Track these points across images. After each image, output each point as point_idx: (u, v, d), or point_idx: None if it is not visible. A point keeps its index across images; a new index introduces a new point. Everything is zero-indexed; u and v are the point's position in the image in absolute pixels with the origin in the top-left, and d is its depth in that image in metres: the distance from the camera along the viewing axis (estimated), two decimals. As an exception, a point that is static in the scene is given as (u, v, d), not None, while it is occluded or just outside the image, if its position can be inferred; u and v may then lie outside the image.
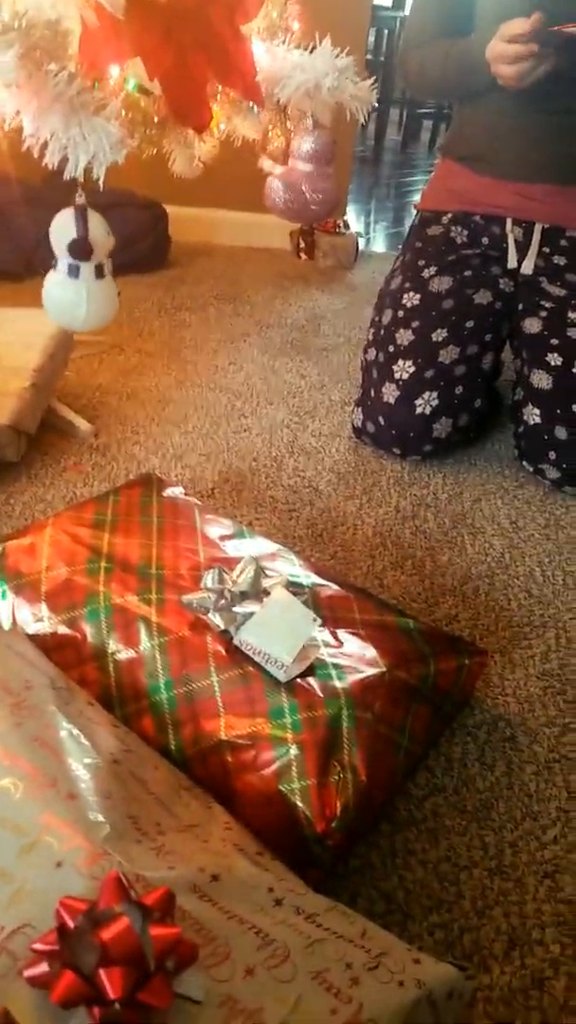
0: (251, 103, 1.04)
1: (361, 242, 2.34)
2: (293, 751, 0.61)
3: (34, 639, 0.71)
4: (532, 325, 1.25)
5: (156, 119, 0.99)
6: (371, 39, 3.69)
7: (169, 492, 0.90)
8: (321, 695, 0.64)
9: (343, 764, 0.61)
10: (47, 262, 0.90)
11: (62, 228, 0.82)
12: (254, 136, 1.18)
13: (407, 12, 1.34)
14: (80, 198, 0.89)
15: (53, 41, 0.77)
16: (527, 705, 0.83)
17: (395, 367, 1.22)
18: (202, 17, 0.96)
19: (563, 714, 0.83)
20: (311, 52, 1.02)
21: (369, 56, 3.44)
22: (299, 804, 0.59)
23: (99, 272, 0.81)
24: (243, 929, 0.49)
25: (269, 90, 1.02)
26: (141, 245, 1.89)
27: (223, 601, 0.70)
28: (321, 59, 0.98)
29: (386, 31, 3.92)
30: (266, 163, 1.12)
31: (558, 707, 0.84)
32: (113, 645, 0.69)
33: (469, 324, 1.24)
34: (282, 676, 0.65)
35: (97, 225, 0.82)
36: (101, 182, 0.80)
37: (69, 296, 0.81)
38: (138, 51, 0.91)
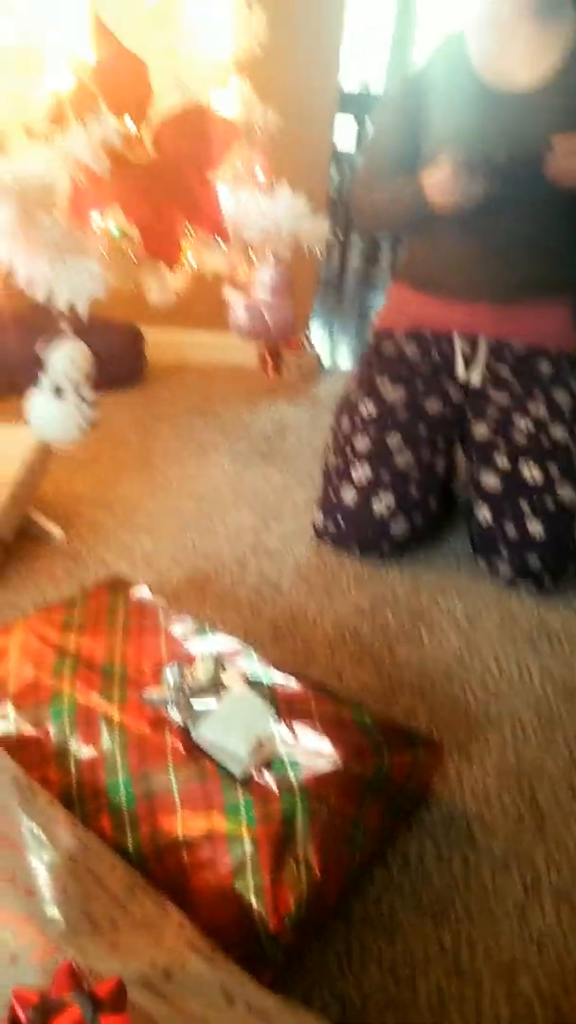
0: (218, 239, 1.15)
1: (325, 358, 2.47)
2: (248, 847, 0.62)
3: (-2, 739, 0.72)
4: (480, 430, 1.33)
5: (134, 258, 1.09)
6: (336, 176, 4.01)
7: (136, 593, 0.94)
8: (276, 790, 0.66)
9: (297, 859, 0.62)
10: (28, 382, 0.97)
11: (56, 355, 0.90)
12: (222, 268, 1.29)
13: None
14: (65, 327, 0.97)
15: (45, 198, 0.87)
16: (484, 800, 0.85)
17: (353, 471, 1.29)
18: (175, 170, 1.08)
19: (519, 808, 0.84)
20: (272, 196, 1.14)
21: (334, 194, 3.71)
22: (253, 901, 0.60)
23: (78, 394, 0.88)
24: (194, 1025, 0.49)
25: (234, 229, 1.13)
26: (118, 364, 1.99)
27: (182, 697, 0.72)
28: (280, 203, 1.10)
29: (348, 172, 4.26)
30: (229, 293, 1.22)
31: (514, 802, 0.85)
32: (75, 744, 0.71)
33: (422, 430, 1.32)
34: (238, 771, 0.67)
35: (79, 353, 0.89)
36: (84, 316, 0.88)
37: (52, 414, 0.88)
38: (118, 201, 1.02)
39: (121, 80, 1.12)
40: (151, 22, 1.27)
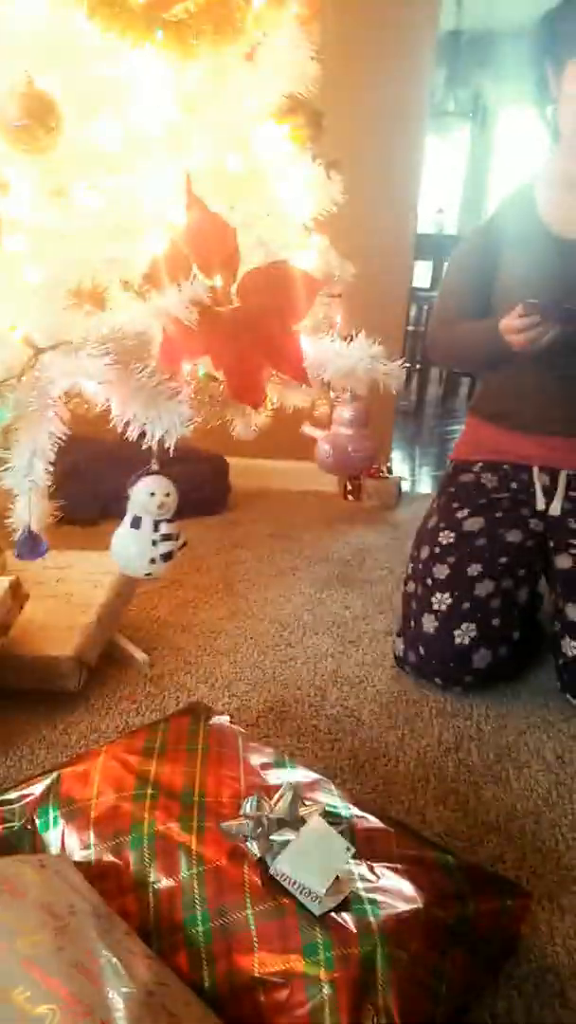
0: (299, 383, 1.23)
1: (405, 485, 2.52)
2: (326, 990, 0.60)
3: (80, 866, 0.73)
4: (564, 561, 1.33)
5: (220, 399, 1.17)
6: (413, 312, 4.21)
7: (215, 720, 0.95)
8: (355, 931, 0.64)
9: (377, 1007, 0.60)
10: (118, 511, 1.04)
11: (138, 488, 0.97)
12: (302, 405, 1.37)
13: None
14: (155, 464, 1.04)
15: (139, 347, 0.96)
16: (578, 956, 0.80)
17: (433, 599, 1.29)
18: (260, 321, 1.18)
19: (617, 967, 0.78)
20: (349, 343, 1.23)
21: (411, 327, 3.89)
22: (331, 1050, 0.57)
23: (156, 527, 0.94)
24: None
25: (314, 372, 1.21)
26: (203, 491, 2.09)
27: (260, 829, 0.72)
28: (357, 347, 1.17)
29: (425, 306, 4.47)
30: (307, 429, 1.30)
31: (612, 959, 0.79)
32: (154, 874, 0.71)
33: (502, 560, 1.32)
34: (316, 909, 0.66)
35: (164, 487, 0.96)
36: (171, 451, 0.95)
37: (128, 544, 0.93)
38: (207, 350, 1.11)
39: (209, 241, 1.25)
40: (238, 189, 1.42)
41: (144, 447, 0.98)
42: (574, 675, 1.23)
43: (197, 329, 1.11)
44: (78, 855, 0.74)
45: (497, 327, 1.36)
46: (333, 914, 0.66)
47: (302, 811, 0.76)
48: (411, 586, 1.36)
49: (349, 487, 2.37)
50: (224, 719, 0.97)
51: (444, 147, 6.34)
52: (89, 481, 1.85)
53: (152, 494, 0.97)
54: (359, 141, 2.17)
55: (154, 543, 0.94)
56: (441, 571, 1.31)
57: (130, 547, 0.93)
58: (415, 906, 0.68)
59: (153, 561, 0.94)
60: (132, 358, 1.01)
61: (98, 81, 0.99)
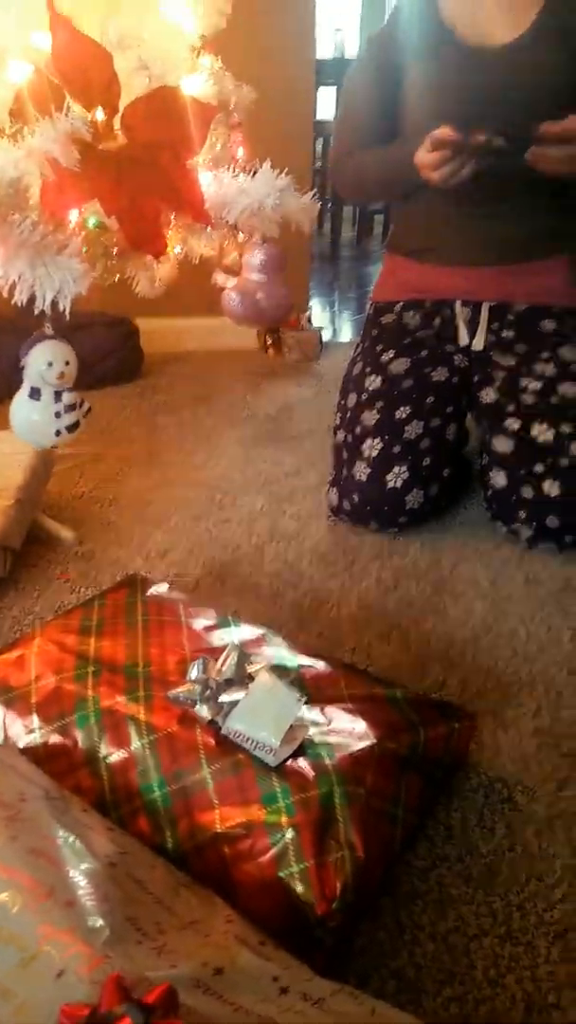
0: (203, 225, 1.12)
1: (326, 334, 2.44)
2: (289, 835, 0.62)
3: (27, 751, 0.72)
4: (488, 395, 1.31)
5: (115, 250, 1.07)
6: (319, 147, 3.94)
7: (153, 590, 0.93)
8: (312, 775, 0.65)
9: (340, 842, 0.62)
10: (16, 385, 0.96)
11: (31, 357, 0.89)
12: (209, 253, 1.27)
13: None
14: (48, 329, 0.96)
15: (15, 196, 0.85)
16: (523, 764, 0.84)
17: (364, 446, 1.27)
18: (151, 158, 1.06)
19: (559, 769, 0.83)
20: (254, 175, 1.12)
21: (319, 163, 3.66)
22: (299, 888, 0.59)
23: (58, 398, 0.87)
24: (250, 1020, 0.49)
25: (218, 213, 1.11)
26: (112, 359, 1.98)
27: (209, 691, 0.71)
28: (262, 181, 1.07)
29: (331, 140, 4.19)
30: (219, 277, 1.20)
31: (553, 762, 0.84)
32: (104, 748, 0.70)
33: (430, 400, 1.30)
34: (271, 760, 0.66)
35: (63, 355, 0.88)
36: (67, 312, 0.87)
37: (29, 417, 0.86)
38: (94, 194, 1.00)
39: (82, 67, 1.10)
40: (108, 5, 1.24)
41: (37, 312, 0.89)
42: (502, 504, 1.24)
43: (80, 171, 0.99)
44: (23, 741, 0.73)
45: (409, 157, 1.26)
46: (290, 762, 0.67)
47: (250, 668, 0.76)
48: (341, 435, 1.34)
49: (269, 341, 2.28)
50: (163, 588, 0.95)
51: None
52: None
53: (50, 364, 0.89)
54: None
55: (57, 415, 0.87)
56: (370, 417, 1.29)
57: (32, 418, 0.87)
58: (368, 742, 0.69)
59: (58, 433, 0.88)
60: (9, 210, 0.90)
61: None
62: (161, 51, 1.18)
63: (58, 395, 0.90)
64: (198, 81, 1.27)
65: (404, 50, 1.32)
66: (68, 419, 0.91)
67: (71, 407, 0.91)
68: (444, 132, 1.14)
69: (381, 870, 0.66)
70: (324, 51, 4.73)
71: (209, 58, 1.33)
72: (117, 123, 1.13)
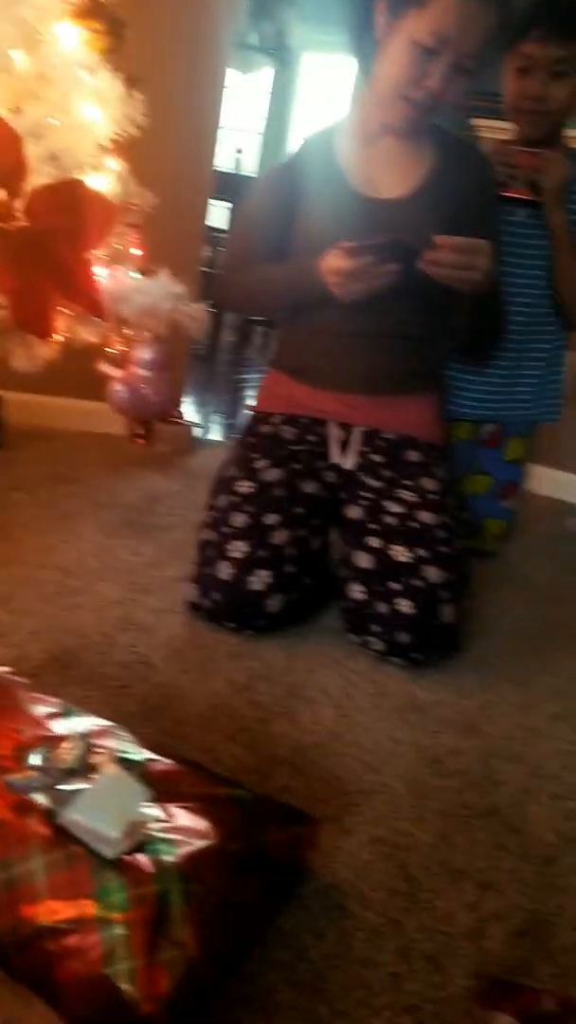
0: (94, 316, 1.16)
1: (197, 431, 2.50)
2: (119, 931, 0.59)
3: None
4: (354, 512, 1.38)
5: (1, 326, 1.08)
6: (209, 253, 4.14)
7: (-4, 671, 0.89)
8: (150, 871, 0.64)
9: (173, 941, 0.60)
10: None
11: None
12: (95, 341, 1.30)
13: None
14: None
15: None
16: (358, 872, 0.85)
17: (229, 547, 1.29)
18: (49, 245, 1.09)
19: (392, 878, 0.85)
20: (149, 278, 1.18)
21: (205, 269, 3.83)
22: (125, 986, 0.57)
23: None
24: None
25: (111, 306, 1.15)
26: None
27: (48, 780, 0.69)
28: (159, 285, 1.13)
29: (220, 248, 4.42)
30: (106, 368, 1.23)
31: (387, 872, 0.86)
32: None
33: (298, 510, 1.35)
34: (110, 853, 0.64)
35: None
36: None
37: None
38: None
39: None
40: (25, 94, 1.29)
41: None
42: (357, 617, 1.30)
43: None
44: None
45: (306, 271, 1.35)
46: (127, 857, 0.65)
47: (93, 759, 0.74)
48: (207, 534, 1.36)
49: (140, 431, 2.30)
50: (2, 670, 0.91)
51: (245, 85, 6.23)
52: None
53: None
54: (159, 62, 2.05)
55: None
56: (239, 519, 1.32)
57: None
58: (209, 841, 0.68)
59: None
60: None
61: None
62: (72, 145, 1.24)
63: None
64: (104, 180, 1.33)
65: (302, 186, 1.45)
66: None
67: None
68: (348, 244, 1.24)
69: (215, 973, 0.64)
70: (222, 165, 5.04)
71: (116, 160, 1.41)
72: (20, 206, 1.16)
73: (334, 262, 1.29)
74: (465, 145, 1.51)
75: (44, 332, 1.14)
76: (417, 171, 1.43)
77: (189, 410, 2.85)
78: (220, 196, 4.02)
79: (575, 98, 1.59)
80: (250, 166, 6.25)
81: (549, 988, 0.75)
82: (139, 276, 1.13)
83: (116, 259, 1.20)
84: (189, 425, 2.37)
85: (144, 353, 1.20)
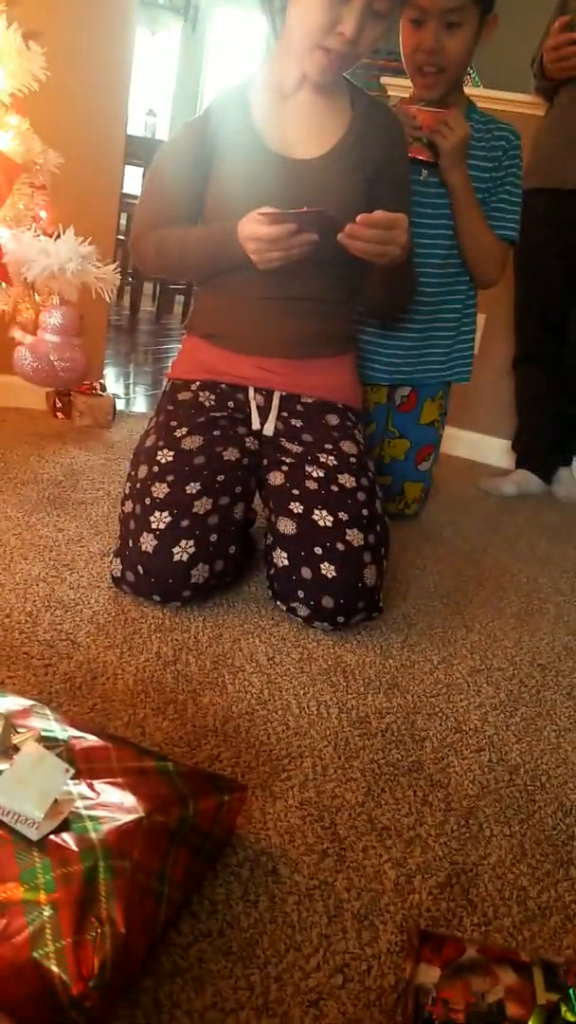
0: (-2, 280, 1.11)
1: (119, 403, 2.45)
2: (47, 913, 0.58)
3: None
4: (276, 478, 1.38)
5: None
6: (123, 221, 4.03)
7: None
8: (76, 849, 0.63)
9: (100, 918, 0.59)
10: None
11: None
12: (2, 308, 1.24)
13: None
14: None
15: None
16: (288, 836, 0.86)
17: (152, 518, 1.27)
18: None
19: (321, 840, 0.87)
20: (56, 239, 1.13)
21: (121, 237, 3.73)
22: (54, 968, 0.56)
23: None
24: None
25: (16, 270, 1.10)
26: None
27: (-31, 763, 0.67)
28: (65, 246, 1.08)
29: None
30: (16, 333, 1.18)
31: (316, 834, 0.87)
32: None
33: (220, 478, 1.34)
34: (33, 835, 0.63)
35: None
36: None
37: None
38: None
39: None
40: None
41: None
42: (283, 583, 1.30)
43: None
44: None
45: (223, 235, 1.32)
46: (53, 836, 0.64)
47: (15, 739, 0.72)
48: (129, 505, 1.34)
49: (59, 404, 2.24)
50: None
51: (154, 45, 6.04)
52: None
53: None
54: (61, 15, 1.96)
55: None
56: (160, 490, 1.30)
57: None
58: (136, 816, 0.68)
59: None
60: None
61: None
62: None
63: None
64: (4, 138, 1.27)
65: (217, 141, 1.41)
66: None
67: None
68: (268, 209, 1.22)
69: (144, 947, 0.64)
70: (135, 130, 4.90)
71: (18, 118, 1.34)
72: None
73: (253, 228, 1.27)
74: (379, 106, 1.49)
75: (-52, 300, 1.09)
76: (333, 131, 1.41)
77: (110, 381, 2.79)
78: (134, 161, 3.92)
79: (469, 51, 1.59)
80: (163, 130, 6.09)
81: (473, 938, 0.79)
82: (45, 238, 1.09)
83: (20, 220, 1.15)
84: (110, 397, 2.32)
85: (52, 317, 1.15)
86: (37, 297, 1.22)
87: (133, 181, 4.26)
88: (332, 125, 1.42)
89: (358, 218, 1.24)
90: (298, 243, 1.26)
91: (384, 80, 2.61)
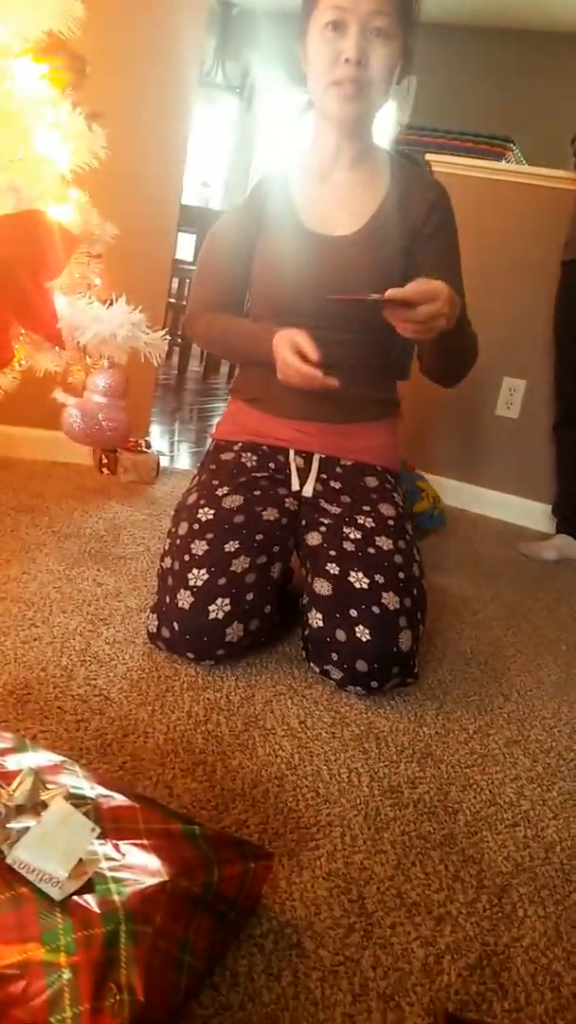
0: (52, 344, 1.16)
1: (164, 460, 2.50)
2: (66, 975, 0.58)
3: None
4: (313, 539, 1.39)
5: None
6: (175, 285, 4.18)
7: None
8: (98, 911, 0.62)
9: (120, 985, 0.59)
10: None
11: None
12: (55, 369, 1.30)
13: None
14: None
15: None
16: (314, 908, 0.84)
17: (190, 575, 1.29)
18: (9, 272, 1.09)
19: (348, 914, 0.84)
20: (109, 306, 1.18)
21: (172, 300, 3.86)
22: (69, 1037, 0.55)
23: None
24: None
25: (70, 335, 1.15)
26: None
27: (-3, 818, 0.67)
28: (117, 313, 1.13)
29: (187, 280, 4.45)
30: (59, 395, 1.23)
31: (343, 907, 0.85)
32: None
33: (259, 537, 1.35)
34: (56, 894, 0.63)
35: None
36: None
37: None
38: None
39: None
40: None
41: None
42: (317, 645, 1.30)
43: None
44: None
45: (261, 339, 1.39)
46: (76, 897, 0.63)
47: (44, 795, 0.73)
48: (168, 561, 1.35)
49: (104, 460, 2.30)
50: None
51: (211, 120, 6.34)
52: None
53: None
54: (124, 97, 2.09)
55: None
56: (199, 547, 1.32)
57: None
58: (160, 879, 0.67)
59: None
60: None
61: None
62: (33, 177, 1.25)
63: None
64: (65, 211, 1.34)
65: (260, 223, 1.48)
66: None
67: None
68: (308, 345, 1.28)
69: (164, 1017, 0.63)
70: (190, 199, 5.13)
71: (77, 191, 1.42)
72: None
73: (285, 353, 1.33)
74: (419, 173, 1.53)
75: (4, 360, 1.14)
76: (368, 206, 1.46)
77: (156, 439, 2.85)
78: (188, 229, 4.08)
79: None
80: (216, 201, 6.37)
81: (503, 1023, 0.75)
82: (98, 305, 1.14)
83: (76, 288, 1.21)
84: (155, 454, 2.37)
85: (100, 379, 1.20)
86: (88, 360, 1.27)
87: (186, 248, 4.43)
88: (367, 199, 1.47)
89: (387, 293, 1.17)
90: (319, 383, 1.30)
91: (431, 157, 2.70)
